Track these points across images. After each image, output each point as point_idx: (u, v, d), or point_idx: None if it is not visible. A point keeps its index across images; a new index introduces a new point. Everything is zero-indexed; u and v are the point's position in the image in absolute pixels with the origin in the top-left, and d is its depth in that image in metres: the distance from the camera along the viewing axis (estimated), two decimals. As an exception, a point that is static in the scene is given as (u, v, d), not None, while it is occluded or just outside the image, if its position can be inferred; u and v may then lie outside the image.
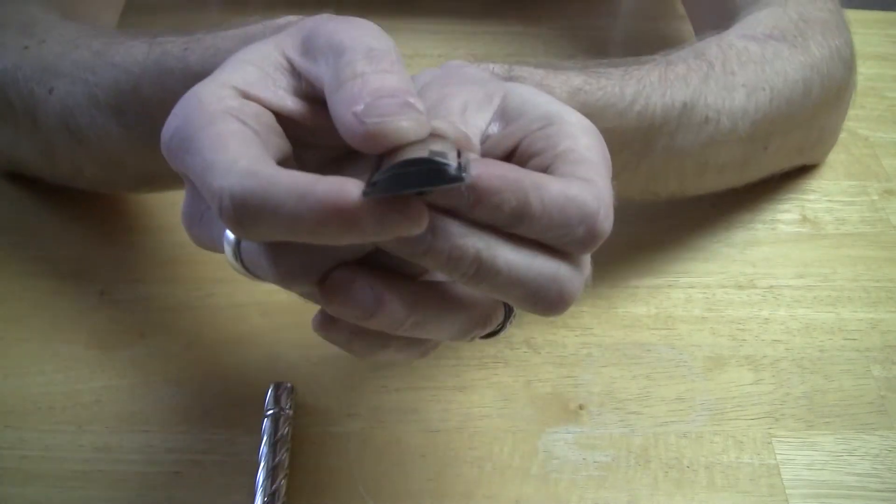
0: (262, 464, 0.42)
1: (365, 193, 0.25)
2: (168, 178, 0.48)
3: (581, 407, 0.46)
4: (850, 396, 0.47)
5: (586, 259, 0.32)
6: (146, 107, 0.44)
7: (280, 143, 0.31)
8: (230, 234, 0.31)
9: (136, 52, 0.44)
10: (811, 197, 0.59)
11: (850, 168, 0.61)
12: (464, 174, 0.25)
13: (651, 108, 0.45)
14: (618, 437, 0.45)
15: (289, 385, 0.45)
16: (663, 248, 0.54)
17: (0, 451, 0.43)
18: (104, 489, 0.42)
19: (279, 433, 0.43)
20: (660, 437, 0.45)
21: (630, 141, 0.46)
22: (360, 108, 0.27)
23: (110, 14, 0.60)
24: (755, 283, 0.53)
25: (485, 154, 0.32)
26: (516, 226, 0.28)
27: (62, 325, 0.49)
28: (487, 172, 0.27)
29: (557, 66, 0.44)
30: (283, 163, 0.31)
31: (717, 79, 0.48)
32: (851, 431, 0.46)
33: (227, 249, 0.31)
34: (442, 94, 0.32)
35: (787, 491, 0.43)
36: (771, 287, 0.53)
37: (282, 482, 0.41)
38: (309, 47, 0.31)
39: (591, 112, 0.42)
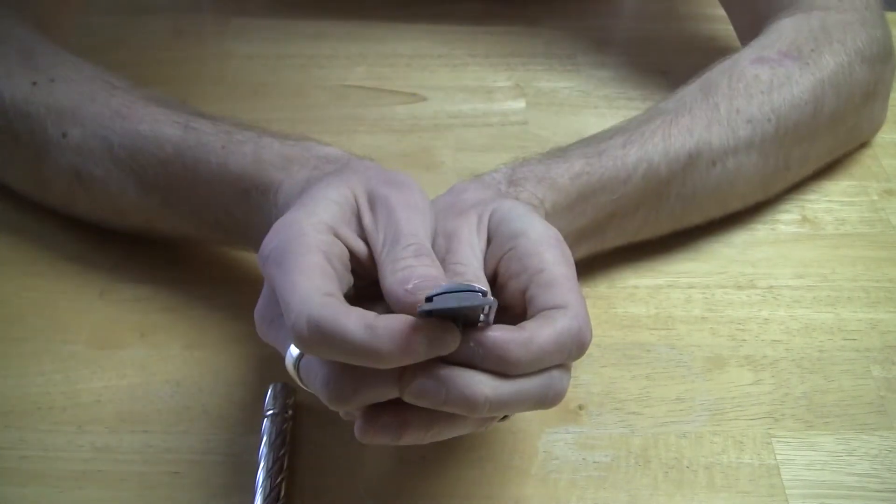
0: (261, 464, 0.42)
1: (421, 308, 0.32)
2: (161, 232, 0.50)
3: (581, 407, 0.46)
4: (849, 397, 0.47)
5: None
6: (170, 180, 0.47)
7: (348, 276, 0.38)
8: (293, 350, 0.36)
9: (167, 130, 0.47)
10: (811, 197, 0.59)
11: (849, 168, 0.61)
12: (490, 298, 0.33)
13: (654, 168, 0.48)
14: (617, 437, 0.45)
15: (289, 385, 0.45)
16: (663, 248, 0.54)
17: (0, 451, 0.44)
18: (104, 489, 0.42)
19: (279, 433, 0.43)
20: (659, 437, 0.45)
21: (641, 201, 0.49)
22: (410, 286, 0.34)
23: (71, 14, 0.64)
24: (755, 284, 0.53)
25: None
26: (524, 370, 0.34)
27: (62, 325, 0.49)
28: (492, 335, 0.34)
29: (564, 154, 0.48)
30: (347, 293, 0.37)
31: (721, 121, 0.51)
32: (851, 432, 0.46)
33: (289, 360, 0.37)
34: (449, 236, 0.39)
35: (787, 491, 0.43)
36: (770, 287, 0.53)
37: (281, 482, 0.41)
38: (373, 204, 0.39)
39: (596, 189, 0.47)
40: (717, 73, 0.54)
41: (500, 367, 0.34)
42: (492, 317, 0.35)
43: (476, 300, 0.32)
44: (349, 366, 0.34)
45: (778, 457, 0.44)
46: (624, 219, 0.49)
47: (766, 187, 0.56)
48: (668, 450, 0.45)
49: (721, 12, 0.66)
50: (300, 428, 0.45)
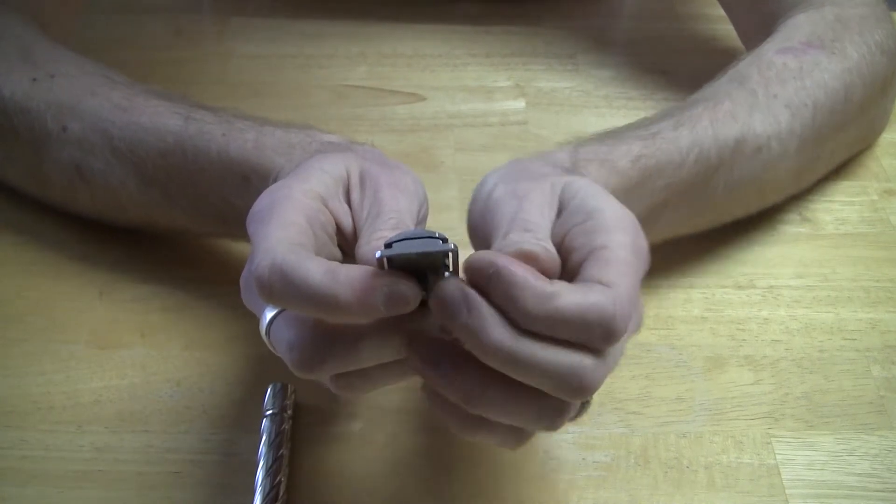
0: (261, 463, 0.42)
1: (381, 251, 0.31)
2: (161, 225, 0.50)
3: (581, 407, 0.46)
4: (849, 396, 0.47)
5: (614, 349, 0.34)
6: (171, 171, 0.47)
7: (332, 248, 0.38)
8: (267, 314, 0.36)
9: (168, 122, 0.47)
10: (811, 197, 0.59)
11: (849, 168, 0.61)
12: (450, 244, 0.31)
13: (706, 152, 0.47)
14: (617, 437, 0.45)
15: (288, 385, 0.45)
16: (663, 248, 0.54)
17: (0, 450, 0.44)
18: (104, 489, 0.42)
19: (278, 433, 0.43)
20: (659, 437, 0.45)
21: (692, 187, 0.48)
22: (381, 243, 0.33)
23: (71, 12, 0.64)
24: (755, 284, 0.53)
25: None
26: (539, 327, 0.32)
27: (62, 325, 0.49)
28: (515, 268, 0.32)
29: (619, 136, 0.47)
30: None
31: (761, 107, 0.50)
32: (851, 431, 0.46)
33: (262, 324, 0.36)
34: (521, 197, 0.38)
35: (787, 491, 0.43)
36: (770, 287, 0.53)
37: (281, 482, 0.41)
38: (363, 182, 0.40)
39: (652, 173, 0.46)
40: (744, 65, 0.53)
41: (507, 304, 0.32)
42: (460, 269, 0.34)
43: (436, 246, 0.31)
44: (316, 331, 0.33)
45: (778, 457, 0.45)
46: (676, 208, 0.48)
47: (799, 179, 0.55)
48: (668, 450, 0.45)
49: (721, 12, 0.66)
50: (299, 427, 0.45)
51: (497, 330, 0.32)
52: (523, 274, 0.32)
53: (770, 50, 0.54)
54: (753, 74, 0.52)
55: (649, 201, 0.46)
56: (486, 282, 0.32)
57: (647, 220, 0.46)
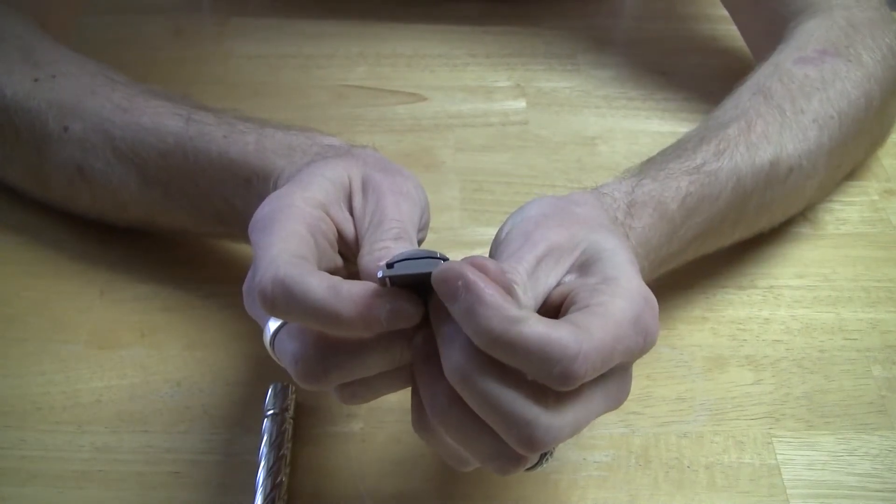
0: (261, 463, 0.42)
1: (383, 272, 0.32)
2: (162, 226, 0.50)
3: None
4: (850, 396, 0.47)
5: (571, 413, 0.33)
6: (171, 172, 0.47)
7: (333, 255, 0.38)
8: (271, 325, 0.36)
9: (169, 122, 0.47)
10: (811, 197, 0.59)
11: (850, 168, 0.61)
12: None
13: (742, 180, 0.47)
14: (618, 437, 0.45)
15: (289, 385, 0.45)
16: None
17: (0, 450, 0.44)
18: (104, 489, 0.42)
19: (279, 433, 0.43)
20: (660, 437, 0.45)
21: (726, 213, 0.47)
22: (382, 263, 0.33)
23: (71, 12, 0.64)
24: (755, 284, 0.53)
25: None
26: (497, 351, 0.31)
27: (62, 325, 0.49)
28: (450, 265, 0.31)
29: (668, 168, 0.45)
30: (333, 272, 0.37)
31: (791, 125, 0.50)
32: (852, 431, 0.46)
33: (267, 335, 0.37)
34: (534, 238, 0.37)
35: (788, 491, 0.43)
36: (771, 287, 0.53)
37: (282, 482, 0.41)
38: (365, 188, 0.40)
39: (693, 211, 0.45)
40: (764, 76, 0.52)
41: (470, 321, 0.31)
42: None
43: (436, 267, 0.31)
44: (319, 343, 0.33)
45: (779, 457, 0.44)
46: (706, 237, 0.47)
47: (824, 190, 0.55)
48: (669, 450, 0.45)
49: (721, 12, 0.66)
50: (300, 428, 0.45)
51: (457, 350, 0.32)
52: (492, 293, 0.31)
53: (787, 59, 0.53)
54: (777, 87, 0.51)
55: (685, 239, 0.46)
56: (453, 295, 0.31)
57: (678, 253, 0.46)
